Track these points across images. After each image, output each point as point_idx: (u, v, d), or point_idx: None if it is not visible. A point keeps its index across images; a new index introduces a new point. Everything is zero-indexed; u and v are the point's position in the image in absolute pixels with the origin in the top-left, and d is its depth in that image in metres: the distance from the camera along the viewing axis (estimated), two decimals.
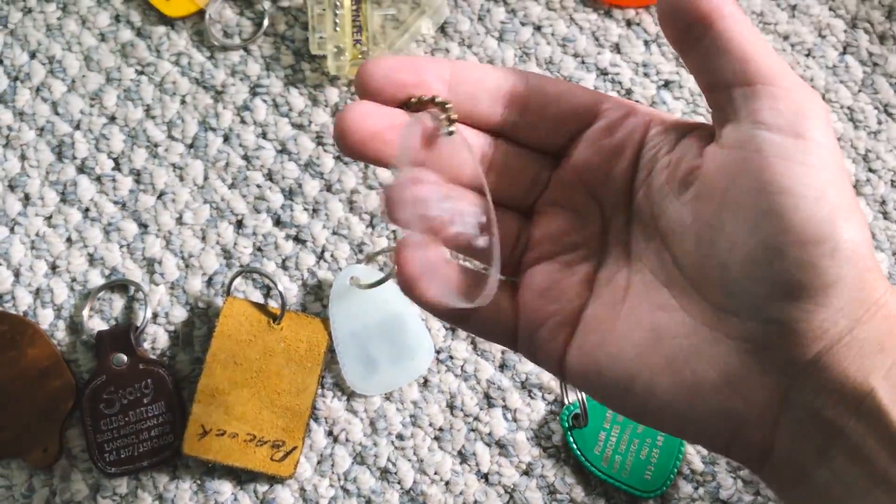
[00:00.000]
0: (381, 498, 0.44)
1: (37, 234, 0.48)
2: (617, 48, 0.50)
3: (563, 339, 0.30)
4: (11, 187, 0.49)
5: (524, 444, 0.45)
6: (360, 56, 0.48)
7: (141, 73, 0.50)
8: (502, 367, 0.46)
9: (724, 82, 0.28)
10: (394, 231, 0.48)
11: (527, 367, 0.46)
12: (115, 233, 0.48)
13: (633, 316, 0.29)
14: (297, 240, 0.48)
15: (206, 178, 0.49)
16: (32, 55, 0.51)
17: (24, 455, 0.45)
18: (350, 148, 0.28)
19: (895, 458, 0.25)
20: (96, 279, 0.47)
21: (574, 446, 0.44)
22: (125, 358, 0.45)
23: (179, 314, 0.47)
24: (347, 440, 0.45)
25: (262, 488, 0.45)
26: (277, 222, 0.48)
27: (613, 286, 0.30)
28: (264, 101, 0.49)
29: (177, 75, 0.50)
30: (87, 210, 0.48)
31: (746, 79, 0.27)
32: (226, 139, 0.49)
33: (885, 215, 0.47)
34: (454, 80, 0.30)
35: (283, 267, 0.47)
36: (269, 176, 0.49)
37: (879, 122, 0.48)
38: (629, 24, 0.50)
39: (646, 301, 0.29)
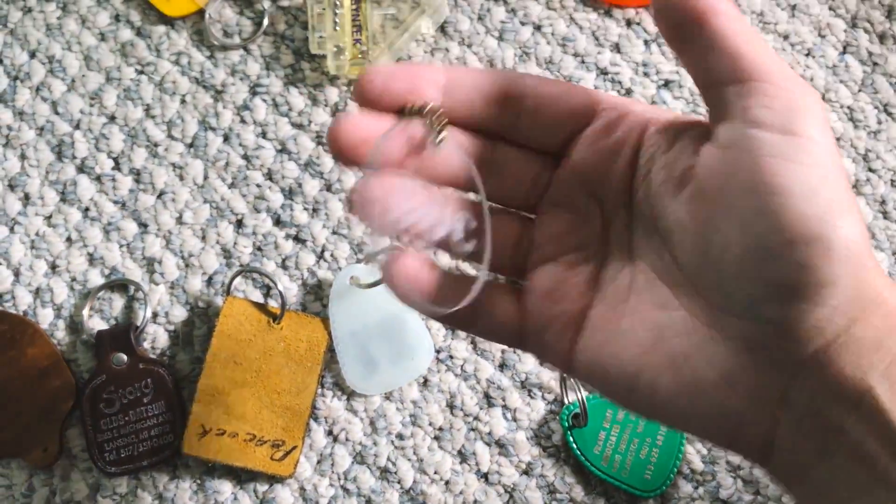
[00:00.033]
0: (381, 497, 0.44)
1: (37, 234, 0.48)
2: (617, 48, 0.50)
3: (569, 338, 0.30)
4: (11, 187, 0.49)
5: (524, 444, 0.45)
6: (359, 55, 0.48)
7: (141, 72, 0.50)
8: (502, 366, 0.46)
9: (718, 80, 0.28)
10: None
11: (527, 366, 0.46)
12: (114, 232, 0.48)
13: (636, 315, 0.29)
14: (297, 239, 0.48)
15: (205, 178, 0.49)
16: (32, 55, 0.51)
17: (24, 455, 0.45)
18: (341, 152, 0.29)
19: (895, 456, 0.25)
20: (96, 279, 0.47)
21: (574, 446, 0.44)
22: (125, 357, 0.45)
23: (179, 314, 0.47)
24: (347, 440, 0.45)
25: (262, 488, 0.45)
26: (277, 222, 0.48)
27: (617, 285, 0.30)
28: (264, 100, 0.49)
29: (177, 75, 0.50)
30: (86, 209, 0.48)
31: (739, 76, 0.27)
32: (226, 139, 0.49)
33: (885, 215, 0.47)
34: (449, 85, 0.30)
35: (283, 266, 0.47)
36: (269, 175, 0.49)
37: (879, 122, 0.48)
38: (629, 23, 0.50)
39: (648, 300, 0.29)
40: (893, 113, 0.49)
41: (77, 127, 0.49)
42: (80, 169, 0.49)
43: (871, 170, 0.48)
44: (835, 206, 0.25)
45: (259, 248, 0.48)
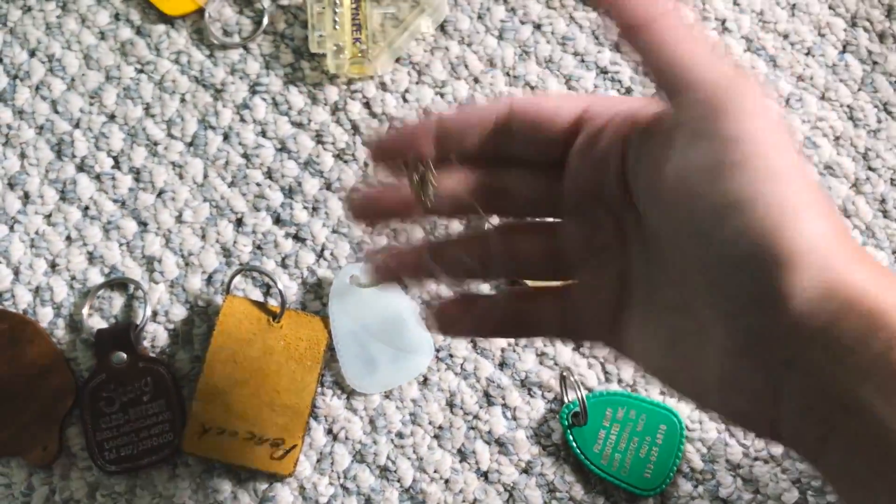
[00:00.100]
0: (381, 496, 0.44)
1: (36, 233, 0.48)
2: (617, 47, 0.50)
3: (605, 338, 0.31)
4: (11, 185, 0.49)
5: (524, 443, 0.45)
6: (359, 54, 0.48)
7: (140, 71, 0.50)
8: (502, 365, 0.46)
9: (659, 91, 0.28)
10: (393, 230, 0.48)
11: (526, 365, 0.46)
12: (114, 231, 0.48)
13: (656, 315, 0.30)
14: (297, 238, 0.48)
15: (205, 177, 0.49)
16: (32, 53, 0.51)
17: (24, 453, 0.45)
18: (358, 219, 0.33)
19: (887, 456, 0.25)
20: (96, 277, 0.47)
21: (574, 444, 0.44)
22: (125, 356, 0.45)
23: (179, 312, 0.47)
24: (347, 438, 0.45)
25: (262, 486, 0.45)
26: (277, 221, 0.48)
27: (641, 285, 0.30)
28: (264, 99, 0.49)
29: (176, 74, 0.50)
30: (86, 208, 0.48)
31: (671, 89, 0.28)
32: (225, 137, 0.49)
33: (885, 213, 0.47)
34: (441, 132, 0.31)
35: (283, 265, 0.47)
36: (269, 174, 0.49)
37: (879, 121, 0.48)
38: None
39: (662, 301, 0.29)
40: (893, 112, 0.49)
41: (77, 126, 0.49)
42: (80, 168, 0.49)
43: (870, 168, 0.48)
44: (778, 211, 0.25)
45: (259, 247, 0.48)
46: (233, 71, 0.50)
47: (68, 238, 0.48)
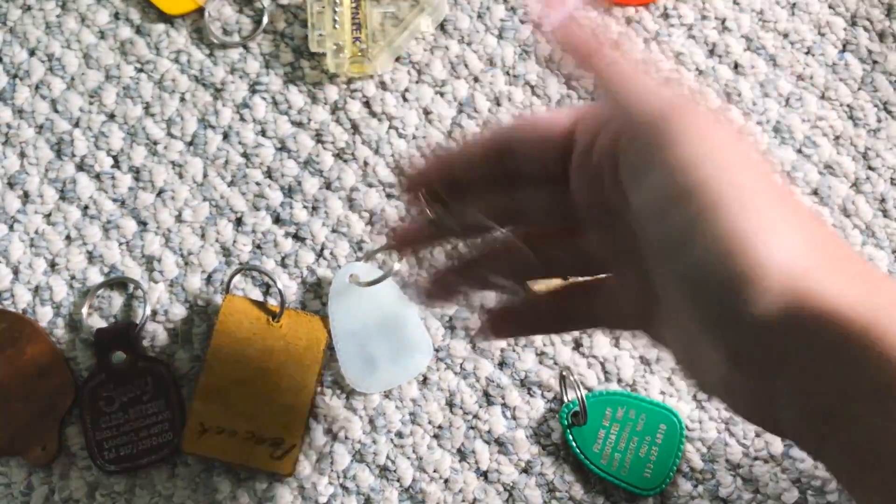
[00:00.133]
0: (381, 496, 0.44)
1: (36, 232, 0.48)
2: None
3: (641, 328, 0.32)
4: (10, 185, 0.49)
5: (523, 442, 0.45)
6: (359, 53, 0.48)
7: (140, 70, 0.50)
8: (501, 364, 0.46)
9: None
10: (393, 229, 0.48)
11: (526, 364, 0.46)
12: (114, 230, 0.48)
13: (675, 322, 0.30)
14: (297, 237, 0.48)
15: (205, 176, 0.49)
16: (31, 52, 0.51)
17: (23, 453, 0.45)
18: (394, 241, 0.36)
19: (877, 460, 0.25)
20: (95, 277, 0.47)
21: (573, 444, 0.44)
22: (124, 356, 0.45)
23: (179, 312, 0.47)
24: (346, 438, 0.45)
25: (262, 486, 0.45)
26: (277, 220, 0.48)
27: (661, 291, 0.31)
28: (263, 98, 0.49)
29: (176, 73, 0.50)
30: (86, 208, 0.48)
31: (618, 124, 0.28)
32: (225, 137, 0.49)
33: (885, 213, 0.47)
34: (446, 171, 0.33)
35: (283, 265, 0.47)
36: (269, 173, 0.48)
37: (879, 120, 0.48)
38: (629, 21, 0.50)
39: (675, 307, 0.30)
40: (893, 111, 0.49)
41: (76, 125, 0.49)
42: (80, 167, 0.49)
43: (870, 168, 0.48)
44: (730, 236, 0.25)
45: (258, 247, 0.48)
46: (232, 70, 0.50)
47: (68, 237, 0.48)
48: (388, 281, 0.45)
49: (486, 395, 0.45)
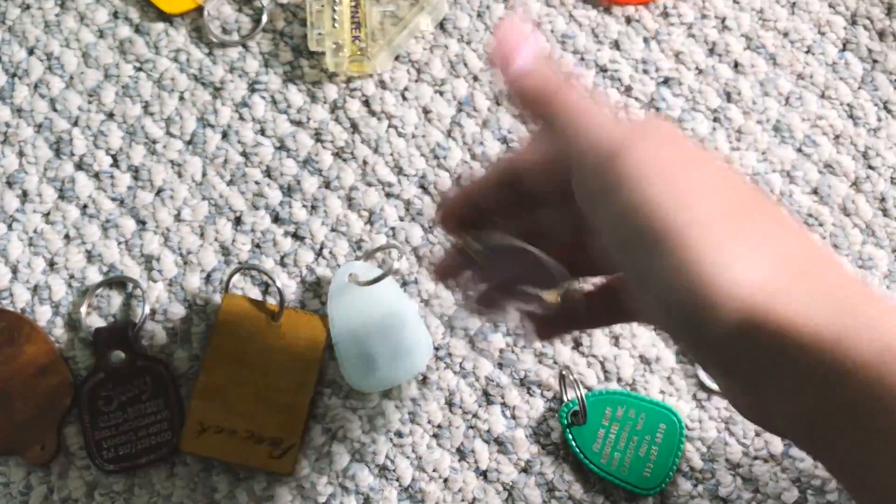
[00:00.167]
0: (380, 495, 0.44)
1: (35, 231, 0.48)
2: (616, 45, 0.50)
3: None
4: (9, 184, 0.49)
5: (523, 442, 0.45)
6: (358, 52, 0.48)
7: (139, 69, 0.50)
8: (501, 364, 0.46)
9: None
10: (392, 228, 0.48)
11: (525, 364, 0.46)
12: (113, 229, 0.48)
13: None
14: (296, 236, 0.48)
15: (204, 175, 0.48)
16: (30, 51, 0.51)
17: (22, 452, 0.45)
18: (436, 275, 0.38)
19: (856, 469, 0.26)
20: (94, 276, 0.47)
21: (573, 443, 0.44)
22: (123, 355, 0.45)
23: (178, 311, 0.47)
24: (346, 437, 0.45)
25: (261, 485, 0.45)
26: (276, 219, 0.48)
27: None
28: (263, 97, 0.49)
29: (175, 72, 0.50)
30: (85, 207, 0.48)
31: (569, 161, 0.29)
32: (224, 136, 0.49)
33: (885, 212, 0.47)
34: (469, 202, 0.34)
35: (282, 264, 0.47)
36: (268, 172, 0.48)
37: (879, 119, 0.48)
38: (628, 20, 0.50)
39: (654, 321, 0.32)
40: (893, 110, 0.48)
41: (75, 124, 0.49)
42: (79, 166, 0.49)
43: (870, 167, 0.48)
44: (683, 269, 0.26)
45: (258, 246, 0.48)
46: (232, 69, 0.50)
47: (67, 236, 0.48)
48: (388, 280, 0.45)
49: (486, 394, 0.45)
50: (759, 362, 0.26)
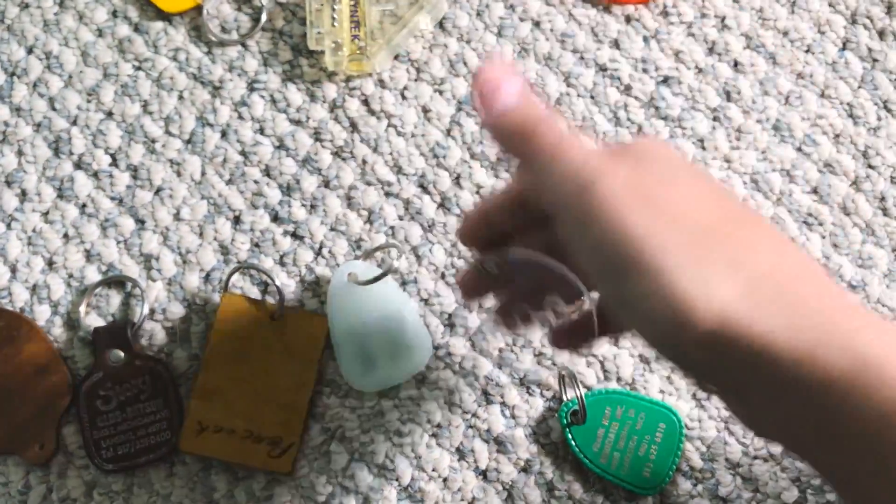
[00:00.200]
0: (379, 495, 0.44)
1: (33, 230, 0.48)
2: (616, 44, 0.50)
3: None
4: (8, 183, 0.49)
5: (522, 441, 0.45)
6: (357, 51, 0.48)
7: (138, 68, 0.50)
8: (500, 364, 0.46)
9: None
10: (391, 227, 0.47)
11: (525, 363, 0.45)
12: (111, 229, 0.48)
13: None
14: (295, 236, 0.48)
15: (203, 174, 0.48)
16: (29, 50, 0.50)
17: (21, 452, 0.45)
18: (465, 296, 0.40)
19: (836, 472, 0.28)
20: (93, 275, 0.47)
21: (573, 443, 0.44)
22: (122, 354, 0.45)
23: (177, 310, 0.47)
24: (345, 437, 0.45)
25: (260, 485, 0.45)
26: (275, 218, 0.48)
27: None
28: (262, 96, 0.49)
29: (174, 71, 0.50)
30: (83, 206, 0.48)
31: (545, 196, 0.30)
32: (223, 135, 0.49)
33: (885, 211, 0.47)
34: (486, 223, 0.36)
35: (281, 263, 0.47)
36: (267, 172, 0.48)
37: (879, 119, 0.48)
38: (628, 19, 0.50)
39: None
40: (893, 109, 0.48)
41: (74, 123, 0.49)
42: (78, 165, 0.49)
43: (870, 166, 0.48)
44: (660, 298, 0.27)
45: (257, 245, 0.47)
46: (231, 68, 0.50)
47: (65, 236, 0.48)
48: (387, 279, 0.45)
49: (486, 393, 0.45)
50: (739, 378, 0.27)
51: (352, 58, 0.48)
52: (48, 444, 0.45)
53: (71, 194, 0.48)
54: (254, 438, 0.44)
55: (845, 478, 0.28)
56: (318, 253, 0.47)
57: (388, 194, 0.48)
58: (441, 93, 0.49)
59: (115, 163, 0.49)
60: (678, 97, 0.49)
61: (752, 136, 0.48)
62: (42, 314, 0.47)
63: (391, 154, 0.48)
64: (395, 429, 0.45)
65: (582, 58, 0.49)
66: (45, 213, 0.48)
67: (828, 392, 0.26)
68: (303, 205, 0.48)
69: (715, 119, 0.48)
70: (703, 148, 0.48)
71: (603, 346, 0.46)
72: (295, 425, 0.44)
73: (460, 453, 0.45)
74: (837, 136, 0.48)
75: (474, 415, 0.45)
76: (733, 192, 0.32)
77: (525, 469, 0.44)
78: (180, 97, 0.49)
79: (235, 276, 0.47)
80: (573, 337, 0.38)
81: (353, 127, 0.49)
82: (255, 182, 0.48)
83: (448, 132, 0.48)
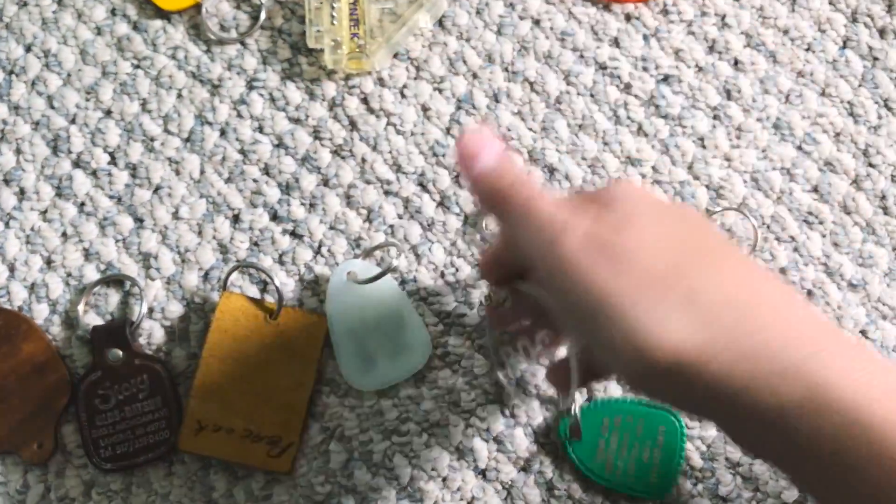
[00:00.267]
0: (378, 494, 0.44)
1: (32, 229, 0.48)
2: (616, 42, 0.49)
3: None
4: (6, 181, 0.48)
5: (522, 441, 0.45)
6: (357, 49, 0.48)
7: (137, 66, 0.50)
8: (500, 363, 0.45)
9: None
10: (391, 226, 0.47)
11: (524, 364, 0.45)
12: (110, 227, 0.48)
13: None
14: (294, 234, 0.47)
15: (202, 173, 0.48)
16: (28, 49, 0.50)
17: (19, 451, 0.44)
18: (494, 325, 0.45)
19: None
20: (91, 274, 0.47)
21: (575, 459, 0.43)
22: (120, 353, 0.45)
23: (175, 309, 0.47)
24: (344, 436, 0.45)
25: (259, 484, 0.44)
26: (274, 217, 0.48)
27: None
28: (261, 95, 0.49)
29: (173, 69, 0.50)
30: (82, 204, 0.48)
31: (519, 250, 0.33)
32: (222, 133, 0.49)
33: (885, 210, 0.47)
34: (495, 260, 0.38)
35: (280, 262, 0.47)
36: (266, 170, 0.48)
37: (879, 117, 0.48)
38: (628, 18, 0.50)
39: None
40: (894, 108, 0.48)
41: (73, 121, 0.49)
42: (76, 164, 0.49)
43: (871, 165, 0.47)
44: (629, 339, 0.28)
45: (256, 244, 0.47)
46: (230, 66, 0.50)
47: (64, 234, 0.48)
48: (387, 278, 0.45)
49: (485, 392, 0.45)
50: (703, 407, 0.30)
51: (351, 56, 0.48)
52: (46, 443, 0.44)
53: (69, 193, 0.48)
54: (253, 438, 0.44)
55: (818, 494, 0.30)
56: (318, 252, 0.47)
57: (387, 193, 0.48)
58: (440, 91, 0.49)
59: (113, 161, 0.49)
60: (678, 96, 0.49)
61: (752, 134, 0.48)
62: (40, 313, 0.47)
63: (390, 153, 0.48)
64: (394, 428, 0.45)
65: (582, 56, 0.49)
66: (44, 212, 0.48)
67: (784, 418, 0.28)
68: (302, 203, 0.48)
69: (715, 118, 0.48)
70: (704, 146, 0.48)
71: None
72: (294, 424, 0.44)
73: (459, 452, 0.45)
74: (838, 134, 0.48)
75: (474, 414, 0.45)
76: (699, 224, 0.33)
77: (525, 468, 0.44)
78: (179, 95, 0.49)
79: (234, 275, 0.47)
80: (557, 376, 0.40)
81: (353, 125, 0.49)
82: (255, 181, 0.48)
83: (447, 131, 0.48)
